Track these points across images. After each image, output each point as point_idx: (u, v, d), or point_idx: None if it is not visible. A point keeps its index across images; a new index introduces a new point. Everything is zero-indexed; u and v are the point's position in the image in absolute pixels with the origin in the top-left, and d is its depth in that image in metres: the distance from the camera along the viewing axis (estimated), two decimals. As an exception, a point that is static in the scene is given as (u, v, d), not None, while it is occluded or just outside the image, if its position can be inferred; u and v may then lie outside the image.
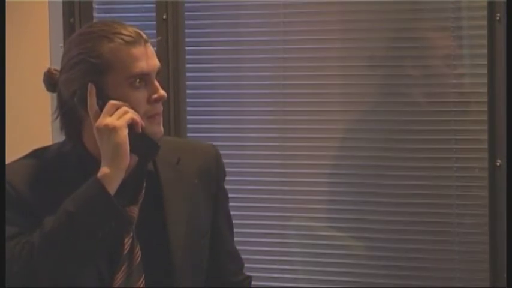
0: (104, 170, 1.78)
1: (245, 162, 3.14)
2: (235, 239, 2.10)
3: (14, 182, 1.84)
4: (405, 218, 3.01)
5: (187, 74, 3.17)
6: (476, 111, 2.95)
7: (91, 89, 1.82)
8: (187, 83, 3.17)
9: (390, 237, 3.02)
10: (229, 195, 2.08)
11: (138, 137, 1.83)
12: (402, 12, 3.03)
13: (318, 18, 3.08)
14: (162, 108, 1.89)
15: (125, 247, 1.87)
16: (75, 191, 1.78)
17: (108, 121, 1.80)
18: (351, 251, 3.08)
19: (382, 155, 3.03)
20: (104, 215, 1.77)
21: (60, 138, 1.95)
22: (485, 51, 2.87)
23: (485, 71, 2.88)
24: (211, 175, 2.02)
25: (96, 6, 3.24)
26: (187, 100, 3.17)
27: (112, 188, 1.78)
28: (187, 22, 3.17)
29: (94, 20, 3.15)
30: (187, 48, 3.17)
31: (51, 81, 1.91)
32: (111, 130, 1.79)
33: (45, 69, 1.92)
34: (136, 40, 1.84)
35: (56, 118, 1.91)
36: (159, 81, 1.88)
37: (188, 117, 3.17)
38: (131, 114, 1.81)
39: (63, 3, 3.23)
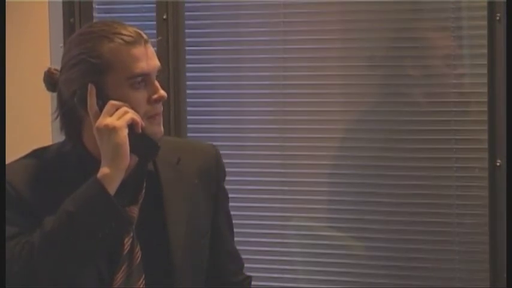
0: (103, 170, 1.78)
1: (245, 162, 3.14)
2: (235, 239, 2.10)
3: (14, 182, 1.84)
4: (405, 218, 3.01)
5: (188, 74, 3.17)
6: (476, 111, 2.95)
7: (91, 89, 1.82)
8: (187, 83, 3.17)
9: (390, 237, 3.02)
10: (229, 195, 2.07)
11: (138, 137, 1.83)
12: (402, 12, 3.03)
13: (318, 18, 3.08)
14: (162, 108, 1.89)
15: (125, 247, 1.87)
16: (75, 191, 1.78)
17: (108, 121, 1.80)
18: (351, 251, 3.08)
19: (382, 155, 3.03)
20: (104, 215, 1.77)
21: (60, 138, 1.94)
22: (485, 51, 2.87)
23: (485, 71, 2.88)
24: (211, 175, 2.02)
25: (96, 6, 3.24)
26: (187, 100, 3.17)
27: (112, 188, 1.78)
28: (187, 22, 3.17)
29: (94, 20, 3.14)
30: (187, 48, 3.16)
31: (51, 81, 1.91)
32: (111, 130, 1.79)
33: (46, 69, 1.92)
34: (136, 40, 1.84)
35: (56, 118, 1.91)
36: (159, 82, 1.88)
37: (188, 117, 3.17)
38: (131, 115, 1.81)
39: (63, 3, 3.23)
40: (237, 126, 3.19)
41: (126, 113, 1.81)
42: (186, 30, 3.16)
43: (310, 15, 3.08)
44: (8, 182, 1.84)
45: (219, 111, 3.21)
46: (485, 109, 2.89)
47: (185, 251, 1.92)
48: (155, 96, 1.86)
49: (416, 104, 3.01)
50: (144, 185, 1.91)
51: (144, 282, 1.88)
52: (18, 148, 1.97)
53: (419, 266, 3.01)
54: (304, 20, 3.09)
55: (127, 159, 1.80)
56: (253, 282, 2.13)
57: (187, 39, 3.16)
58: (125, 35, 1.84)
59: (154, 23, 3.13)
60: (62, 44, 2.92)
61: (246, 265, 2.13)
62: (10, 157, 1.94)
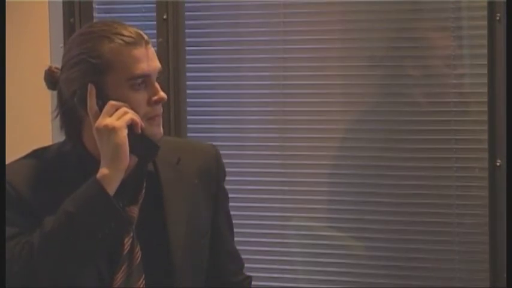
0: (103, 170, 1.78)
1: (245, 162, 3.14)
2: (235, 239, 2.10)
3: (14, 182, 1.84)
4: (405, 218, 3.01)
5: (188, 74, 3.17)
6: (476, 111, 2.95)
7: (91, 89, 1.82)
8: (188, 83, 3.17)
9: (390, 237, 3.02)
10: (229, 195, 2.07)
11: (137, 138, 1.83)
12: (402, 12, 3.03)
13: (318, 18, 3.08)
14: (161, 109, 1.89)
15: (125, 247, 1.87)
16: (75, 191, 1.78)
17: (107, 121, 1.80)
18: (351, 251, 3.08)
19: (382, 155, 3.03)
20: (104, 216, 1.77)
21: (60, 138, 1.94)
22: (485, 51, 2.87)
23: (485, 71, 2.88)
24: (211, 175, 2.02)
25: (96, 6, 3.24)
26: (187, 100, 3.17)
27: (112, 188, 1.78)
28: (187, 22, 3.17)
29: (94, 20, 3.14)
30: (187, 48, 3.16)
31: (51, 79, 1.91)
32: (111, 131, 1.79)
33: (46, 67, 1.92)
34: (137, 41, 1.84)
35: (56, 116, 1.91)
36: (159, 83, 1.88)
37: (188, 117, 3.17)
38: (131, 115, 1.81)
39: (63, 3, 3.23)
40: (237, 126, 3.19)
41: (125, 113, 1.81)
42: (186, 30, 3.16)
43: (310, 15, 3.08)
44: (8, 182, 1.84)
45: (219, 111, 3.20)
46: (485, 109, 2.89)
47: (185, 251, 1.92)
48: (155, 97, 1.86)
49: (417, 104, 3.01)
50: (144, 185, 1.91)
51: (144, 282, 1.88)
52: (18, 148, 1.97)
53: (419, 266, 3.01)
54: (304, 20, 3.09)
55: (126, 159, 1.80)
56: (253, 282, 2.13)
57: (187, 39, 3.16)
58: (125, 35, 1.84)
59: (155, 23, 3.13)
60: (62, 44, 2.93)
61: (246, 265, 2.13)
62: (10, 157, 1.94)
